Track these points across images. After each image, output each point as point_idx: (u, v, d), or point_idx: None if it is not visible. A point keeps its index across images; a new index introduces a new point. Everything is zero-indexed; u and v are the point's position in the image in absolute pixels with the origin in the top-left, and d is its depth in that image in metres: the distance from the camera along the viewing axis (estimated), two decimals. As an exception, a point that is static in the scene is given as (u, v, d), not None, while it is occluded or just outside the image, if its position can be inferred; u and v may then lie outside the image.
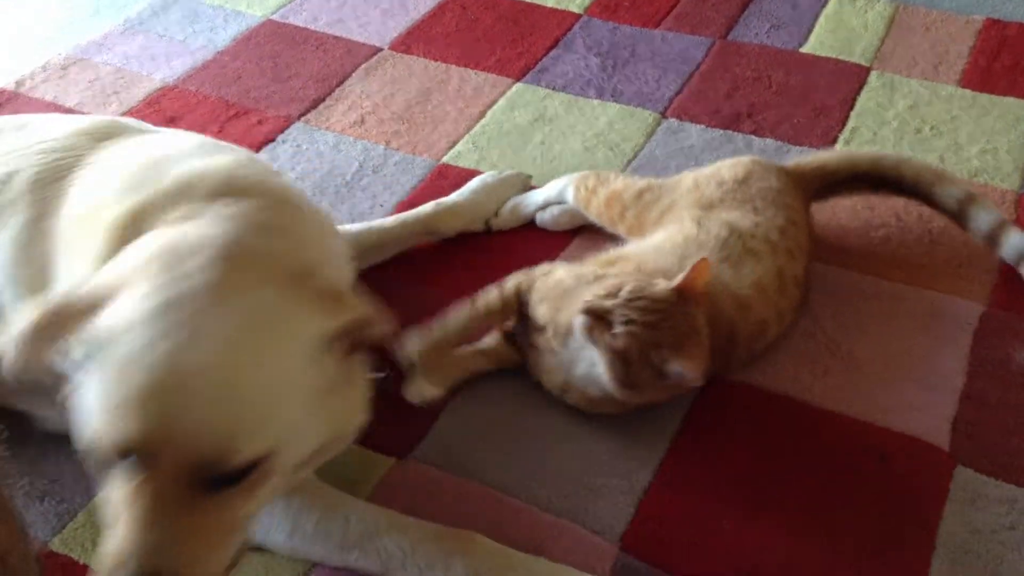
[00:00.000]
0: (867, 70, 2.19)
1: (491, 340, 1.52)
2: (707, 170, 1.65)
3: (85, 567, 1.28)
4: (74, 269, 1.17)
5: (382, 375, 1.28)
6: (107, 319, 0.98)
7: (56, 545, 1.31)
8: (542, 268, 1.50)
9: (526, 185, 1.87)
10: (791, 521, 1.31)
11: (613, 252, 1.54)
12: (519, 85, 2.20)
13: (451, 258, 1.74)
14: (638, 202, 1.62)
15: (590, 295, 1.34)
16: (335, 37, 2.39)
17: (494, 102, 2.15)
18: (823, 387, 1.48)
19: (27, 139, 1.33)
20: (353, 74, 2.26)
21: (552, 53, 2.30)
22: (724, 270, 1.46)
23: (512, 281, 1.48)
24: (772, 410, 1.46)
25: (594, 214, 1.68)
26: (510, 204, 1.80)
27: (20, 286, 1.24)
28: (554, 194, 1.76)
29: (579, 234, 1.76)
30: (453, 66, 2.27)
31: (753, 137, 2.01)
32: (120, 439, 0.94)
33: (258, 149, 2.03)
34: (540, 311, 1.41)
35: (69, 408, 1.03)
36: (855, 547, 1.28)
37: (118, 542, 0.95)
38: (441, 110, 2.13)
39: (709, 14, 2.41)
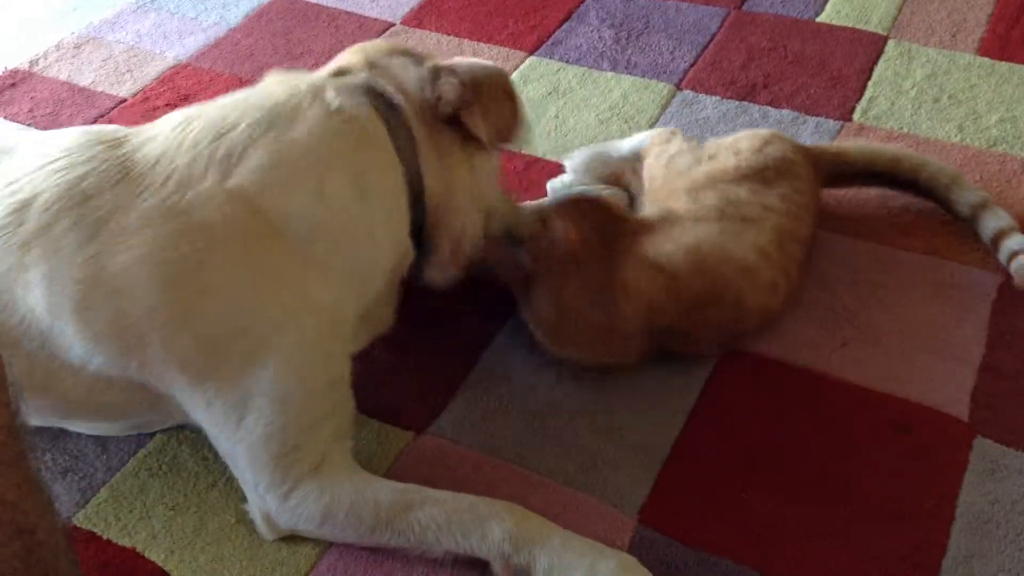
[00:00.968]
0: (884, 39, 2.17)
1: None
2: (728, 140, 1.65)
3: (108, 542, 1.30)
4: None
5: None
6: None
7: (79, 520, 1.32)
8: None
9: None
10: (810, 493, 1.31)
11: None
12: (532, 58, 2.19)
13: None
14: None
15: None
16: (347, 12, 2.38)
17: (507, 76, 2.14)
18: (841, 358, 1.47)
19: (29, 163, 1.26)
20: (366, 49, 2.25)
21: (565, 26, 2.28)
22: (725, 240, 1.46)
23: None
24: (790, 382, 1.45)
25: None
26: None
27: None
28: (633, 145, 1.77)
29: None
30: (465, 40, 2.26)
31: (769, 108, 1.99)
32: None
33: (272, 126, 2.03)
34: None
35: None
36: (874, 518, 1.28)
37: None
38: (454, 85, 2.12)
39: (724, -16, 2.39)
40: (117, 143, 1.26)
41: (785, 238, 1.49)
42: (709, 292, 1.42)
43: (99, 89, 2.17)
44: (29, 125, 2.08)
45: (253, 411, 1.20)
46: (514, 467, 1.36)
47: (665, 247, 1.44)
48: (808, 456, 1.36)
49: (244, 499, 1.29)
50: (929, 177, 1.65)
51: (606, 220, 1.45)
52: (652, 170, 1.66)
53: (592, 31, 2.26)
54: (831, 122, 1.94)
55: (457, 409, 1.44)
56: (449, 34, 2.28)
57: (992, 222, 1.59)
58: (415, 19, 2.34)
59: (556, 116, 2.02)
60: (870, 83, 2.04)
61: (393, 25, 2.33)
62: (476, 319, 1.57)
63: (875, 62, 2.10)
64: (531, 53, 2.20)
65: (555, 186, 1.79)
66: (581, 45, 2.22)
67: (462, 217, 1.40)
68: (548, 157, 1.88)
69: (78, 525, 1.32)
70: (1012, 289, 1.56)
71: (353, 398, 1.32)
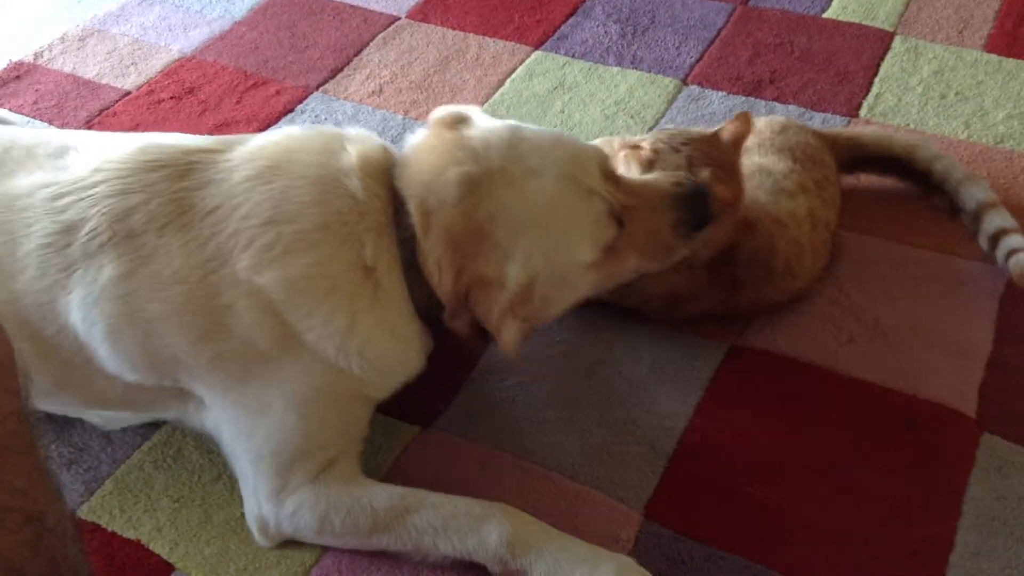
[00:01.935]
0: (891, 35, 2.16)
1: None
2: None
3: (113, 534, 1.29)
4: None
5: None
6: None
7: (84, 513, 1.32)
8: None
9: None
10: (816, 488, 1.31)
11: None
12: (538, 53, 2.18)
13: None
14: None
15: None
16: (352, 6, 2.38)
17: (513, 70, 2.13)
18: (848, 354, 1.47)
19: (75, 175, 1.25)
20: (371, 43, 2.24)
21: (571, 20, 2.28)
22: (760, 195, 1.48)
23: None
24: (796, 377, 1.45)
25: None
26: None
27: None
28: None
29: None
30: (471, 34, 2.25)
31: (775, 103, 1.98)
32: None
33: (277, 120, 2.03)
34: None
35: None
36: (881, 514, 1.27)
37: None
38: (459, 79, 2.12)
39: (730, -21, 2.38)
40: (182, 172, 1.24)
41: (819, 222, 1.51)
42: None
43: (104, 81, 2.17)
44: (34, 118, 2.07)
45: (264, 425, 1.23)
46: (520, 461, 1.35)
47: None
48: (815, 451, 1.35)
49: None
50: (943, 169, 1.65)
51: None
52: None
53: (598, 26, 2.25)
54: (838, 118, 1.93)
55: (463, 403, 1.44)
56: (455, 28, 2.27)
57: (997, 220, 1.58)
58: (420, 13, 2.34)
59: (562, 111, 2.01)
60: (877, 79, 2.03)
61: (399, 19, 2.32)
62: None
63: (882, 58, 2.09)
64: (537, 47, 2.20)
65: None
66: (587, 40, 2.21)
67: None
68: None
69: (83, 517, 1.31)
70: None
71: (371, 416, 1.32)
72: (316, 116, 2.03)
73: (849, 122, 1.92)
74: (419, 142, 1.30)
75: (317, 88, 2.11)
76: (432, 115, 1.32)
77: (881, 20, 2.21)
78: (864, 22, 2.20)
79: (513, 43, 2.21)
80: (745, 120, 1.47)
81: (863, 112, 1.95)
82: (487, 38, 2.24)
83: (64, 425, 1.41)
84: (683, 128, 1.49)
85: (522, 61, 2.16)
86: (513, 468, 1.34)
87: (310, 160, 1.25)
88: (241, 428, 1.25)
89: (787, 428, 1.39)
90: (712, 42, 2.18)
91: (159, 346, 1.21)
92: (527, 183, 1.22)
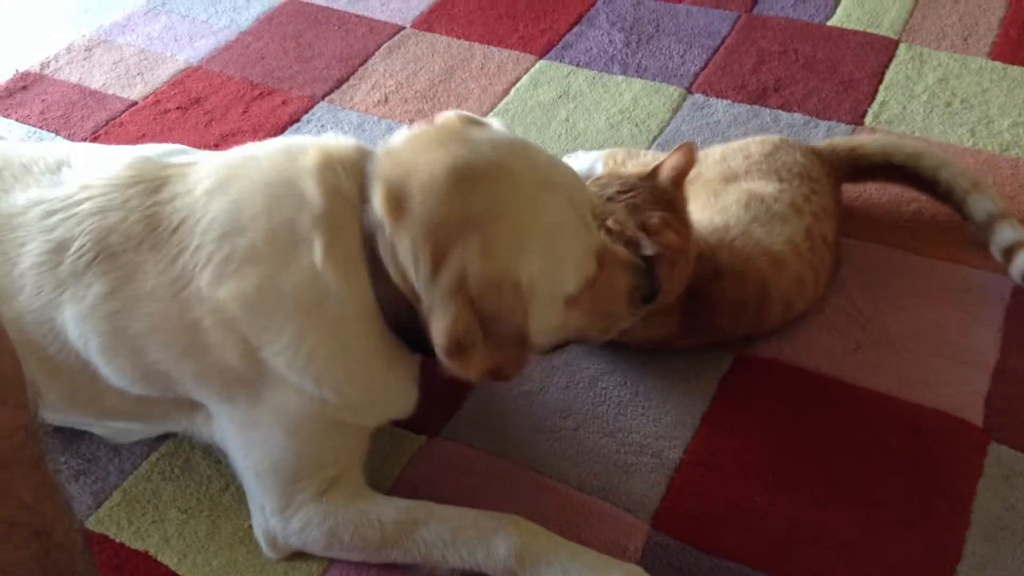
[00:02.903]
0: (895, 43, 2.16)
1: None
2: (735, 144, 1.65)
3: (121, 545, 1.30)
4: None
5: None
6: None
7: (92, 524, 1.32)
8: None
9: None
10: (823, 497, 1.31)
11: None
12: (542, 62, 2.19)
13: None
14: None
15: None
16: (357, 16, 2.38)
17: (518, 79, 2.14)
18: (854, 362, 1.47)
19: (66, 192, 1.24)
20: (376, 53, 2.25)
21: (575, 29, 2.28)
22: (755, 229, 1.47)
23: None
24: (803, 386, 1.45)
25: None
26: None
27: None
28: (584, 168, 1.75)
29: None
30: (476, 43, 2.26)
31: (780, 112, 1.99)
32: None
33: (283, 130, 2.03)
34: None
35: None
36: (888, 524, 1.27)
37: None
38: (465, 88, 2.12)
39: (734, -12, 2.39)
40: (154, 187, 1.22)
41: (816, 239, 1.50)
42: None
43: (110, 92, 2.18)
44: (40, 128, 2.08)
45: (259, 443, 1.23)
46: (527, 471, 1.35)
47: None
48: (821, 461, 1.35)
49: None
50: (950, 178, 1.63)
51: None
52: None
53: (602, 34, 2.26)
54: (843, 126, 1.93)
55: (469, 413, 1.44)
56: (460, 37, 2.28)
57: (1008, 233, 1.55)
58: (425, 23, 2.34)
59: (567, 119, 2.01)
60: (881, 87, 2.04)
61: (403, 29, 2.33)
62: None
63: (886, 66, 2.10)
64: (541, 56, 2.20)
65: None
66: (591, 48, 2.22)
67: None
68: (559, 161, 1.88)
69: (91, 528, 1.32)
70: (1026, 294, 1.55)
71: (368, 440, 1.31)
72: (322, 126, 2.04)
73: (854, 130, 1.92)
74: (412, 133, 1.21)
75: (323, 98, 2.12)
76: (439, 115, 1.24)
77: (886, 28, 2.21)
78: (868, 30, 2.21)
79: (518, 52, 2.22)
80: (688, 151, 1.39)
81: (868, 120, 1.95)
82: (492, 47, 2.24)
83: (72, 436, 1.41)
84: (615, 172, 1.45)
85: (527, 70, 2.16)
86: (520, 478, 1.34)
87: (268, 166, 1.20)
88: (239, 443, 1.25)
89: (794, 437, 1.39)
90: (716, 50, 2.18)
91: (149, 362, 1.20)
92: (539, 193, 1.15)
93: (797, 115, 1.97)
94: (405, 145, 1.18)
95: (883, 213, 1.72)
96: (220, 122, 2.07)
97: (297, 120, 2.06)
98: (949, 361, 1.47)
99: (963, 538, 1.25)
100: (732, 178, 1.57)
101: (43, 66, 2.27)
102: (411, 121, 2.02)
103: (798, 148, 1.62)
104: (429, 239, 1.09)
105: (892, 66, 2.09)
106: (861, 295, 1.57)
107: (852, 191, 1.72)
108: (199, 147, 1.42)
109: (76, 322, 1.20)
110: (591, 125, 1.99)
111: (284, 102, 2.11)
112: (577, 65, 2.17)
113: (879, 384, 1.44)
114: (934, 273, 1.60)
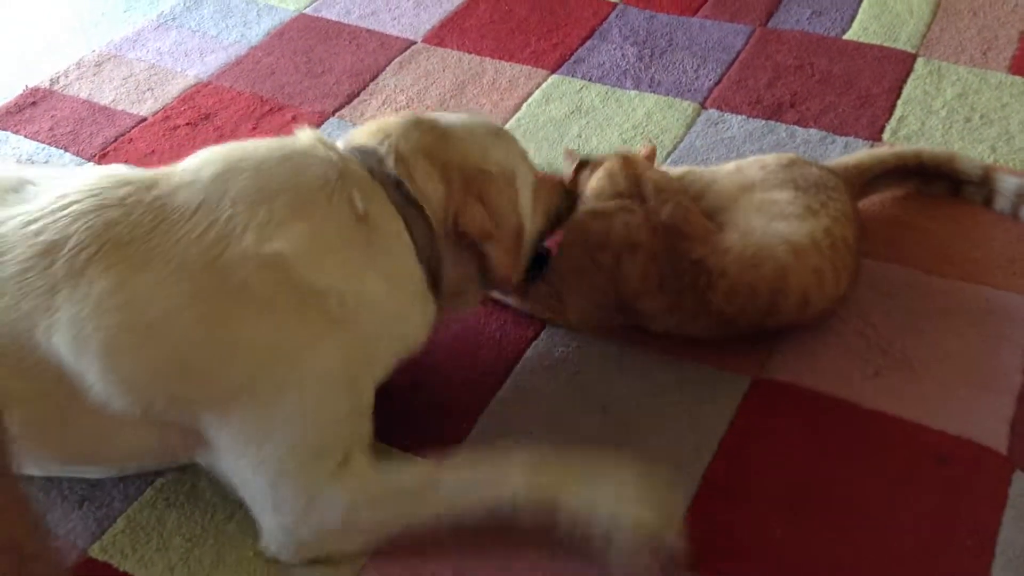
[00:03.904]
0: (913, 57, 2.13)
1: None
2: (750, 158, 1.64)
3: (124, 574, 1.27)
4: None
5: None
6: None
7: (95, 552, 1.30)
8: None
9: None
10: (843, 528, 1.27)
11: None
12: (555, 77, 2.16)
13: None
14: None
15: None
16: (368, 31, 2.37)
17: (529, 94, 2.11)
18: (874, 388, 1.44)
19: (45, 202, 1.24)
20: (387, 68, 2.23)
21: (588, 43, 2.26)
22: (775, 224, 1.46)
23: None
24: (821, 412, 1.42)
25: None
26: None
27: None
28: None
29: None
30: (487, 58, 2.24)
31: (796, 127, 1.96)
32: None
33: (292, 146, 2.01)
34: None
35: None
36: (910, 556, 1.24)
37: None
38: (476, 103, 2.10)
39: (748, 0, 2.36)
40: (147, 185, 1.25)
41: (836, 239, 1.47)
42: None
43: (120, 107, 2.16)
44: (49, 144, 2.07)
45: (280, 420, 1.21)
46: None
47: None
48: (840, 489, 1.32)
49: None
50: (960, 170, 1.64)
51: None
52: None
53: (615, 49, 2.23)
54: (860, 141, 1.90)
55: (480, 437, 1.42)
56: (471, 52, 2.26)
57: None
58: (436, 37, 2.32)
59: (579, 135, 1.99)
60: (899, 102, 2.00)
61: (415, 43, 2.31)
62: (494, 351, 1.54)
63: (904, 80, 2.06)
64: (554, 71, 2.18)
65: None
66: (604, 63, 2.19)
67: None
68: (572, 178, 1.85)
69: (94, 556, 1.29)
70: (1050, 316, 1.52)
71: (372, 422, 1.30)
72: (332, 142, 2.02)
73: (872, 145, 1.89)
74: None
75: (333, 113, 2.10)
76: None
77: (903, 42, 2.18)
78: (886, 44, 2.17)
79: (530, 67, 2.20)
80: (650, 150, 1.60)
81: (886, 135, 1.92)
82: (503, 62, 2.22)
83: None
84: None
85: (539, 85, 2.14)
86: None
87: (270, 147, 1.32)
88: (250, 445, 1.21)
89: (812, 464, 1.35)
90: (731, 65, 2.15)
91: (161, 352, 1.17)
92: (492, 143, 1.42)
93: (813, 131, 1.94)
94: (367, 127, 1.41)
95: (904, 233, 1.68)
96: (230, 138, 2.04)
97: (307, 136, 2.04)
98: (972, 386, 1.43)
99: (989, 570, 1.22)
100: (748, 188, 1.55)
101: (53, 82, 2.26)
102: (422, 137, 2.00)
103: (813, 164, 1.61)
104: (436, 166, 1.34)
105: (910, 81, 2.06)
106: (880, 318, 1.54)
107: (871, 211, 1.69)
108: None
109: (75, 325, 1.16)
110: (604, 141, 1.97)
111: (294, 118, 2.09)
112: (590, 80, 2.14)
113: (901, 410, 1.40)
114: (956, 295, 1.57)
